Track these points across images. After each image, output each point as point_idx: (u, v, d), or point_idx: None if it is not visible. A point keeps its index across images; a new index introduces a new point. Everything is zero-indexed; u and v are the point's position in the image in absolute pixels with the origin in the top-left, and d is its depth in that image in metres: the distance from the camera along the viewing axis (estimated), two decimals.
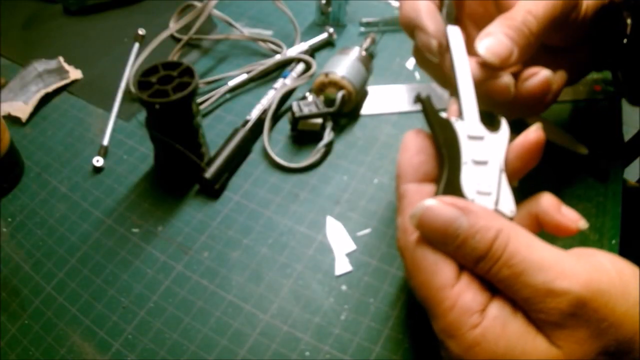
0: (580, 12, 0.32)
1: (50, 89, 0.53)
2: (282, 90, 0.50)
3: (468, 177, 0.26)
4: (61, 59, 0.56)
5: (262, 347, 0.35)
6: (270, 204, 0.43)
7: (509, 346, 0.23)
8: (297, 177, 0.45)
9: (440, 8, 0.33)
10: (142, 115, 0.50)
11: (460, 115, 0.28)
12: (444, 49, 0.31)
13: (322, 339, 0.35)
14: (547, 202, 0.27)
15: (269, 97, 0.50)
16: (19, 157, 0.46)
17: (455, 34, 0.31)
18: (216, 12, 0.58)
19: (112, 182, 0.46)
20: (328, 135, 0.47)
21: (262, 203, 0.43)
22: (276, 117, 0.50)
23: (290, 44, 0.57)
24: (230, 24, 0.59)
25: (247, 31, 0.59)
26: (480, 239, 0.23)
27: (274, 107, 0.49)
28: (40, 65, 0.55)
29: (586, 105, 0.50)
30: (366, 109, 0.51)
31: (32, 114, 0.52)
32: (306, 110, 0.46)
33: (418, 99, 0.28)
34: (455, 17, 0.34)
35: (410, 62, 0.56)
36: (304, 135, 0.48)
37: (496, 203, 0.26)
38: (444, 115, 0.28)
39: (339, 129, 0.49)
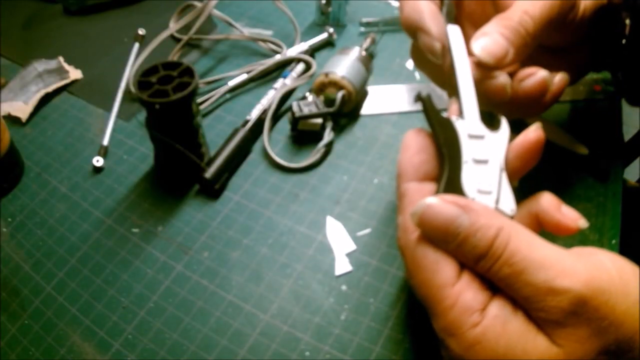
0: (578, 13, 0.32)
1: (50, 89, 0.53)
2: (282, 90, 0.50)
3: (469, 175, 0.27)
4: (61, 59, 0.56)
5: (262, 347, 0.35)
6: (270, 204, 0.43)
7: (509, 345, 0.23)
8: (297, 177, 0.45)
9: (440, 8, 0.33)
10: (142, 115, 0.50)
11: (460, 114, 0.28)
12: (446, 50, 0.31)
13: (322, 339, 0.35)
14: (547, 202, 0.27)
15: (269, 97, 0.50)
16: (19, 157, 0.46)
17: (455, 33, 0.31)
18: (216, 12, 0.58)
19: (112, 182, 0.46)
20: (328, 135, 0.47)
21: (262, 203, 0.43)
22: (276, 117, 0.50)
23: (290, 44, 0.57)
24: (230, 24, 0.59)
25: (247, 31, 0.59)
26: (481, 237, 0.23)
27: (274, 107, 0.49)
28: (40, 65, 0.55)
29: (586, 105, 0.50)
30: (366, 109, 0.51)
31: (32, 114, 0.52)
32: (306, 110, 0.46)
33: (418, 97, 0.28)
34: (454, 16, 0.34)
35: (411, 62, 0.56)
36: (304, 135, 0.48)
37: (497, 202, 0.26)
38: (444, 114, 0.28)
39: (339, 129, 0.49)
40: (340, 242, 0.41)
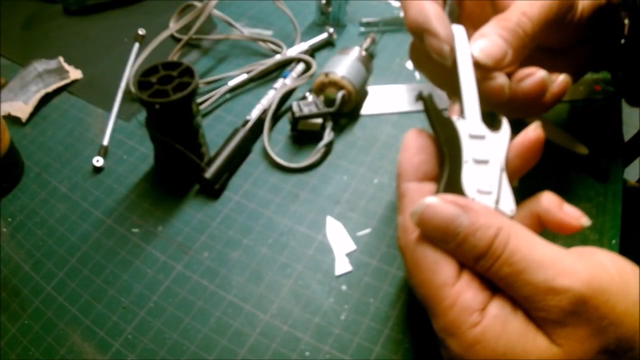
0: (577, 13, 0.32)
1: (50, 89, 0.53)
2: (282, 90, 0.50)
3: (469, 175, 0.27)
4: (61, 59, 0.56)
5: (262, 347, 0.35)
6: (270, 204, 0.43)
7: (509, 345, 0.23)
8: (297, 177, 0.45)
9: (443, 8, 0.33)
10: (142, 115, 0.50)
11: (461, 114, 0.28)
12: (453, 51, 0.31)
13: (322, 339, 0.35)
14: (549, 201, 0.27)
15: (269, 97, 0.50)
16: (19, 157, 0.46)
17: (460, 33, 0.31)
18: (216, 12, 0.58)
19: (112, 182, 0.46)
20: (328, 135, 0.47)
21: (262, 203, 0.43)
22: (276, 117, 0.50)
23: (290, 44, 0.57)
24: (230, 24, 0.59)
25: (247, 31, 0.59)
26: (481, 237, 0.23)
27: (274, 107, 0.49)
28: (40, 65, 0.55)
29: (586, 105, 0.50)
30: (366, 109, 0.51)
31: (32, 114, 0.52)
32: (306, 110, 0.46)
33: (420, 97, 0.28)
34: (457, 16, 0.34)
35: (410, 62, 0.56)
36: (304, 135, 0.48)
37: (496, 202, 0.26)
38: (445, 114, 0.28)
39: (339, 129, 0.49)
40: (340, 242, 0.41)
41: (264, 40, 0.58)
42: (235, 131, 0.47)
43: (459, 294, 0.24)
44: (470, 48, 0.29)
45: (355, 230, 0.41)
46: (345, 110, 0.49)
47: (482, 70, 0.30)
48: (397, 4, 0.65)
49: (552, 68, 0.33)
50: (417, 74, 0.55)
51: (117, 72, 0.55)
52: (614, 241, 0.40)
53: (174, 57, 0.57)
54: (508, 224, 0.24)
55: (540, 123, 0.28)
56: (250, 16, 0.63)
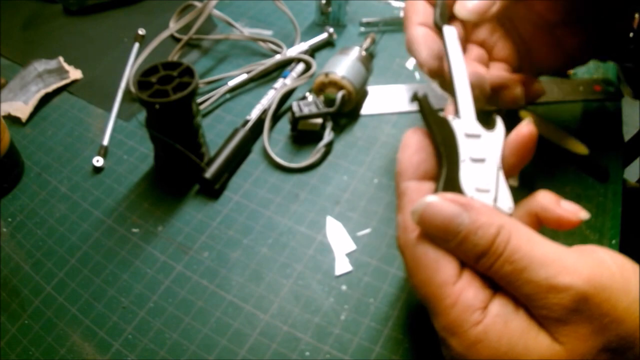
0: None
1: (50, 89, 0.53)
2: (282, 90, 0.50)
3: (466, 174, 0.27)
4: (61, 59, 0.56)
5: (262, 347, 0.35)
6: (270, 204, 0.43)
7: (511, 343, 0.23)
8: (297, 177, 0.45)
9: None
10: (142, 115, 0.50)
11: (456, 114, 0.28)
12: (441, 69, 0.33)
13: (322, 339, 0.35)
14: (546, 198, 0.27)
15: (269, 97, 0.50)
16: (19, 157, 0.46)
17: (451, 34, 0.31)
18: (216, 12, 0.58)
19: (112, 182, 0.46)
20: (328, 135, 0.47)
21: (262, 203, 0.43)
22: (276, 117, 0.50)
23: (290, 44, 0.57)
24: (230, 24, 0.59)
25: (247, 31, 0.59)
26: (482, 236, 0.23)
27: (274, 107, 0.49)
28: (40, 65, 0.55)
29: (586, 105, 0.50)
30: (366, 109, 0.51)
31: (32, 114, 0.52)
32: (306, 110, 0.46)
33: (415, 97, 0.28)
34: (448, 16, 0.34)
35: (410, 62, 0.56)
36: (304, 135, 0.48)
37: (495, 200, 0.26)
38: (440, 114, 0.28)
39: (339, 129, 0.49)
40: (340, 242, 0.41)
41: (264, 40, 0.58)
42: (235, 131, 0.47)
43: (461, 292, 0.24)
44: (456, 9, 0.31)
45: (355, 230, 0.41)
46: (345, 110, 0.49)
47: (503, 81, 0.34)
48: (397, 4, 0.65)
49: (546, 49, 0.33)
50: (417, 74, 0.55)
51: (117, 72, 0.55)
52: (614, 241, 0.40)
53: (174, 57, 0.57)
54: (509, 222, 0.24)
55: (532, 119, 0.29)
56: (250, 16, 0.63)
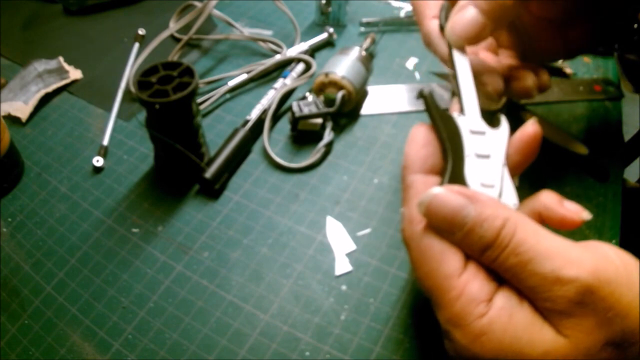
0: None
1: (50, 89, 0.53)
2: (282, 90, 0.50)
3: (471, 169, 0.27)
4: (61, 59, 0.56)
5: (262, 347, 0.35)
6: (270, 204, 0.43)
7: (515, 336, 0.23)
8: (297, 177, 0.45)
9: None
10: (142, 115, 0.50)
11: (461, 111, 0.29)
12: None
13: (322, 339, 0.35)
14: (549, 198, 0.27)
15: (269, 97, 0.50)
16: (19, 157, 0.46)
17: None
18: (216, 12, 0.58)
19: (112, 182, 0.46)
20: (328, 135, 0.47)
21: (262, 203, 0.43)
22: (276, 117, 0.50)
23: (290, 44, 0.57)
24: (230, 24, 0.59)
25: (247, 31, 0.59)
26: (488, 228, 0.23)
27: (274, 107, 0.49)
28: (40, 65, 0.55)
29: (586, 105, 0.50)
30: (366, 109, 0.51)
31: (32, 114, 0.52)
32: (306, 110, 0.46)
33: (421, 95, 0.29)
34: None
35: (410, 62, 0.56)
36: (304, 135, 0.48)
37: (499, 195, 0.26)
38: (446, 111, 0.28)
39: (339, 129, 0.49)
40: (340, 242, 0.41)
41: (264, 40, 0.58)
42: (235, 131, 0.47)
43: (466, 284, 0.24)
44: (446, 31, 0.30)
45: (355, 230, 0.41)
46: (345, 110, 0.49)
47: (512, 72, 0.33)
48: (397, 4, 0.65)
49: (547, 41, 0.33)
50: (417, 74, 0.55)
51: (117, 72, 0.55)
52: (614, 241, 0.40)
53: (174, 57, 0.57)
54: (514, 215, 0.24)
55: (537, 119, 0.29)
56: (250, 16, 0.63)
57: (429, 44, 0.33)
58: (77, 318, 0.37)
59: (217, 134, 0.49)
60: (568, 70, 0.54)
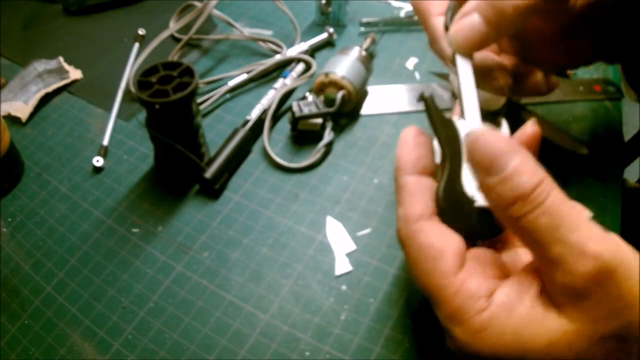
0: (570, 4, 0.32)
1: (50, 89, 0.53)
2: (282, 90, 0.50)
3: (469, 175, 0.27)
4: (61, 59, 0.56)
5: (262, 347, 0.35)
6: (270, 204, 0.43)
7: (516, 331, 0.23)
8: (297, 177, 0.45)
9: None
10: (142, 115, 0.50)
11: (462, 115, 0.29)
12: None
13: (322, 339, 0.35)
14: None
15: (269, 97, 0.50)
16: (19, 157, 0.46)
17: None
18: (216, 12, 0.58)
19: (112, 182, 0.46)
20: (328, 135, 0.47)
21: (262, 203, 0.43)
22: (276, 117, 0.50)
23: (290, 44, 0.57)
24: (230, 24, 0.59)
25: (247, 31, 0.59)
26: (527, 180, 0.23)
27: (274, 107, 0.49)
28: (40, 65, 0.55)
29: (586, 105, 0.50)
30: (366, 109, 0.51)
31: (32, 114, 0.52)
32: (306, 110, 0.46)
33: (421, 97, 0.29)
34: None
35: (410, 62, 0.56)
36: (304, 135, 0.48)
37: None
38: (446, 114, 0.28)
39: (339, 129, 0.49)
40: (340, 242, 0.41)
41: (264, 40, 0.58)
42: (235, 131, 0.47)
43: (464, 281, 0.24)
44: (449, 37, 0.30)
45: (355, 230, 0.41)
46: (345, 110, 0.49)
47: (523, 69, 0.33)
48: (397, 4, 0.65)
49: (551, 51, 0.34)
50: (417, 74, 0.55)
51: (117, 72, 0.55)
52: None
53: (174, 57, 0.57)
54: (550, 178, 0.23)
55: (537, 119, 0.29)
56: (250, 16, 0.63)
57: (434, 43, 0.32)
58: (77, 318, 0.37)
59: (217, 134, 0.49)
60: (568, 71, 0.54)
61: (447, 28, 0.32)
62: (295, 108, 0.46)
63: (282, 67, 0.55)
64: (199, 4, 0.58)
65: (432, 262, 0.25)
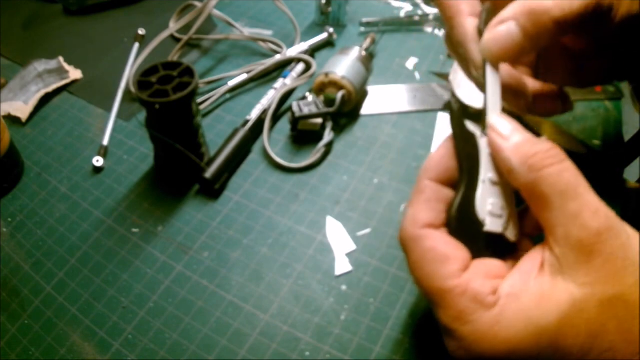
0: (612, 16, 0.29)
1: (50, 89, 0.53)
2: (282, 90, 0.50)
3: (483, 197, 0.26)
4: (61, 59, 0.56)
5: (262, 347, 0.35)
6: (270, 204, 0.43)
7: (528, 315, 0.23)
8: (297, 177, 0.45)
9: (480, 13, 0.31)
10: (142, 115, 0.50)
11: (484, 130, 0.27)
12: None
13: (322, 339, 0.35)
14: None
15: (269, 97, 0.50)
16: (19, 157, 0.46)
17: None
18: (216, 12, 0.58)
19: (112, 182, 0.46)
20: (328, 135, 0.47)
21: (262, 203, 0.43)
22: (276, 117, 0.50)
23: (290, 44, 0.57)
24: (230, 24, 0.59)
25: (247, 31, 0.59)
26: (549, 143, 0.24)
27: (274, 107, 0.49)
28: (40, 65, 0.55)
29: (586, 105, 0.50)
30: (366, 109, 0.51)
31: (32, 114, 0.52)
32: (306, 110, 0.46)
33: (448, 106, 0.28)
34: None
35: (410, 62, 0.56)
36: (304, 135, 0.48)
37: (505, 229, 0.26)
38: (470, 127, 0.27)
39: (339, 129, 0.49)
40: (340, 242, 0.41)
41: (264, 40, 0.58)
42: (235, 131, 0.47)
43: (469, 282, 0.24)
44: (482, 44, 0.27)
45: (355, 230, 0.41)
46: (345, 110, 0.49)
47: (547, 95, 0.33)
48: (397, 4, 0.65)
49: (566, 68, 0.33)
50: (417, 74, 0.55)
51: (117, 72, 0.55)
52: None
53: (174, 57, 0.57)
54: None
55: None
56: (250, 16, 0.63)
57: (460, 45, 0.29)
58: (77, 318, 0.37)
59: (217, 134, 0.49)
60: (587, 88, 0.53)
61: (480, 32, 0.29)
62: (295, 108, 0.46)
63: (282, 67, 0.55)
64: (199, 4, 0.58)
65: (435, 265, 0.25)
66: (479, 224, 0.26)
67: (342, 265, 0.39)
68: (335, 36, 0.59)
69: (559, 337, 0.22)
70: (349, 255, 0.40)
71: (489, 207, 0.26)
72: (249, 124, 0.47)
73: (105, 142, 0.48)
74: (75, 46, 0.59)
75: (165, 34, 0.57)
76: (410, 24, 0.61)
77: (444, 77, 0.54)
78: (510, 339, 0.23)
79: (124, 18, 0.64)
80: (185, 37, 0.57)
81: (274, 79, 0.53)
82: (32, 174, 0.46)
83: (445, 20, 0.30)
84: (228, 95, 0.53)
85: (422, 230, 0.26)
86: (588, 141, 0.46)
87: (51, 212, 0.43)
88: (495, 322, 0.23)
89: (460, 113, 0.28)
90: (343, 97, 0.47)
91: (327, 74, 0.47)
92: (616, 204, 0.42)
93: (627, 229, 0.23)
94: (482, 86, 0.27)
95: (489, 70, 0.28)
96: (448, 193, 0.28)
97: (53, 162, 0.47)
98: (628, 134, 0.58)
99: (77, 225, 0.42)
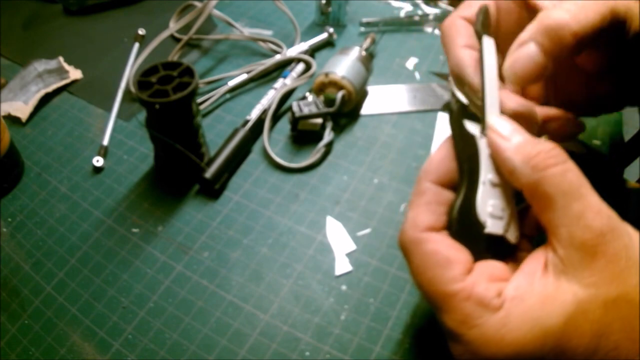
0: (627, 31, 0.29)
1: (50, 89, 0.53)
2: (282, 90, 0.50)
3: (484, 198, 0.26)
4: (61, 59, 0.56)
5: (262, 347, 0.35)
6: (270, 204, 0.43)
7: (534, 316, 0.22)
8: (297, 177, 0.45)
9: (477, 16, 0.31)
10: (142, 115, 0.50)
11: (483, 131, 0.27)
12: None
13: (322, 339, 0.35)
14: None
15: (269, 97, 0.50)
16: (19, 157, 0.46)
17: (489, 46, 0.29)
18: (216, 12, 0.58)
19: (112, 182, 0.46)
20: (328, 135, 0.47)
21: (262, 203, 0.43)
22: (276, 117, 0.50)
23: (290, 44, 0.57)
24: (230, 24, 0.59)
25: (247, 31, 0.59)
26: (552, 144, 0.24)
27: (274, 107, 0.49)
28: (40, 65, 0.55)
29: None
30: (366, 109, 0.51)
31: (32, 114, 0.52)
32: (306, 110, 0.46)
33: (447, 107, 0.28)
34: (489, 25, 0.31)
35: (410, 62, 0.56)
36: (304, 135, 0.48)
37: (506, 231, 0.26)
38: (470, 128, 0.27)
39: (339, 129, 0.49)
40: (340, 242, 0.41)
41: (264, 40, 0.58)
42: (235, 131, 0.47)
43: (473, 285, 0.24)
44: (505, 68, 0.28)
45: (355, 230, 0.41)
46: (345, 110, 0.49)
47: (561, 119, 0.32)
48: (397, 4, 0.65)
49: (577, 93, 0.32)
50: (417, 74, 0.55)
51: (117, 72, 0.55)
52: None
53: (174, 57, 0.57)
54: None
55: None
56: (250, 16, 0.63)
57: (458, 72, 0.30)
58: (77, 318, 0.37)
59: (217, 134, 0.49)
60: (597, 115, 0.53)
61: (477, 34, 0.29)
62: (295, 108, 0.46)
63: (282, 67, 0.55)
64: (199, 4, 0.58)
65: (438, 269, 0.25)
66: (480, 226, 0.26)
67: (342, 265, 0.39)
68: (335, 36, 0.59)
69: (564, 338, 0.22)
70: (349, 255, 0.40)
71: (490, 209, 0.26)
72: (249, 124, 0.47)
73: (105, 142, 0.48)
74: (75, 46, 0.59)
75: (165, 34, 0.57)
76: (410, 24, 0.61)
77: (444, 77, 0.54)
78: (517, 342, 0.23)
79: (124, 18, 0.64)
80: (185, 37, 0.57)
81: (274, 79, 0.53)
82: (32, 174, 0.46)
83: (443, 48, 0.31)
84: (228, 95, 0.53)
85: (423, 233, 0.26)
86: (588, 141, 0.46)
87: (51, 212, 0.43)
88: (502, 325, 0.23)
89: (460, 113, 0.28)
90: (343, 97, 0.47)
91: (327, 74, 0.47)
92: (616, 204, 0.42)
93: (629, 230, 0.23)
94: (480, 110, 0.27)
95: (487, 70, 0.28)
96: (448, 195, 0.27)
97: (53, 162, 0.47)
98: (628, 134, 0.58)
99: (77, 225, 0.42)
